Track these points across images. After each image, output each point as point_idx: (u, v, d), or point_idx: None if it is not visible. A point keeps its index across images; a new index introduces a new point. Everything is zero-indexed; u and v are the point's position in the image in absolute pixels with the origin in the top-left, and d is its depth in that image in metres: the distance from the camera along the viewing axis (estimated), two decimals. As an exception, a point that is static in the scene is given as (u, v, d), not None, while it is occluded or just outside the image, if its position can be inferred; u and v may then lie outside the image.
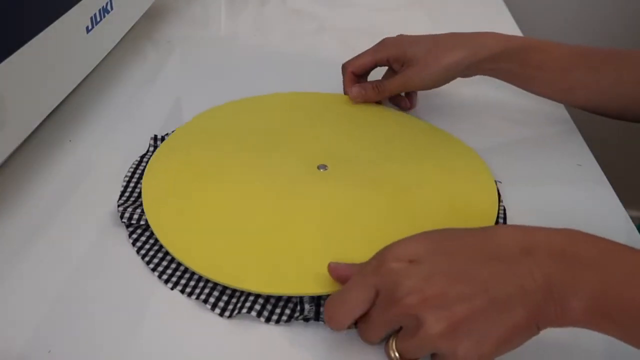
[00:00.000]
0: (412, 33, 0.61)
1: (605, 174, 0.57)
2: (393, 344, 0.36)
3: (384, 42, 0.62)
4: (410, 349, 0.35)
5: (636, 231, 0.50)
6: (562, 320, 0.33)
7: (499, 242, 0.35)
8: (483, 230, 0.36)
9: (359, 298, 0.36)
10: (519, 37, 0.60)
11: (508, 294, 0.33)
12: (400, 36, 0.62)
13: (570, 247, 0.34)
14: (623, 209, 0.53)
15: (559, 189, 0.55)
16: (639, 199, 1.20)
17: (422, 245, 0.36)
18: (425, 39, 0.60)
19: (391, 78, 0.61)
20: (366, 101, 0.62)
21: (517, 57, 0.58)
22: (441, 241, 0.37)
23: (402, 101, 0.64)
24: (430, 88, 0.61)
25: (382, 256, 0.37)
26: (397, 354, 0.36)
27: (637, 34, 1.26)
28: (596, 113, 0.60)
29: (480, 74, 0.60)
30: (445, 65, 0.58)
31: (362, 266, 0.38)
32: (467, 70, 0.59)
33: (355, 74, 0.63)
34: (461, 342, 0.33)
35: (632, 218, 0.52)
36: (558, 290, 0.33)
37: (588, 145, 0.61)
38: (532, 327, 0.34)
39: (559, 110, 0.65)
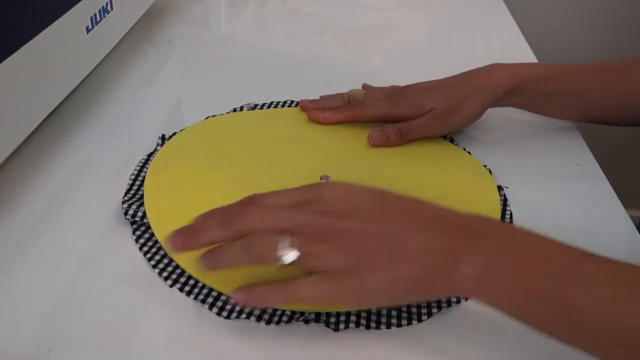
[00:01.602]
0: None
1: (605, 174, 0.57)
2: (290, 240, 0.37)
3: (398, 99, 0.60)
4: (312, 249, 0.37)
5: (636, 231, 0.50)
6: (454, 284, 0.37)
7: (421, 209, 0.40)
8: (410, 198, 0.41)
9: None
10: (528, 66, 0.59)
11: (415, 246, 0.37)
12: (409, 89, 0.61)
13: (474, 223, 0.38)
14: (623, 209, 0.53)
15: (559, 189, 0.55)
16: (639, 199, 1.20)
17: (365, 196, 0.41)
18: (439, 88, 0.59)
19: (415, 125, 0.58)
20: (387, 146, 0.58)
21: (530, 90, 0.58)
22: (380, 194, 0.41)
23: None
24: None
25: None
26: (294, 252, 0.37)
27: (638, 33, 1.26)
28: (611, 124, 0.60)
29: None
30: (466, 116, 0.58)
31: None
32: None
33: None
34: (359, 262, 0.37)
35: (632, 218, 0.52)
36: (454, 256, 0.36)
37: (588, 145, 0.61)
38: (426, 283, 0.37)
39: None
